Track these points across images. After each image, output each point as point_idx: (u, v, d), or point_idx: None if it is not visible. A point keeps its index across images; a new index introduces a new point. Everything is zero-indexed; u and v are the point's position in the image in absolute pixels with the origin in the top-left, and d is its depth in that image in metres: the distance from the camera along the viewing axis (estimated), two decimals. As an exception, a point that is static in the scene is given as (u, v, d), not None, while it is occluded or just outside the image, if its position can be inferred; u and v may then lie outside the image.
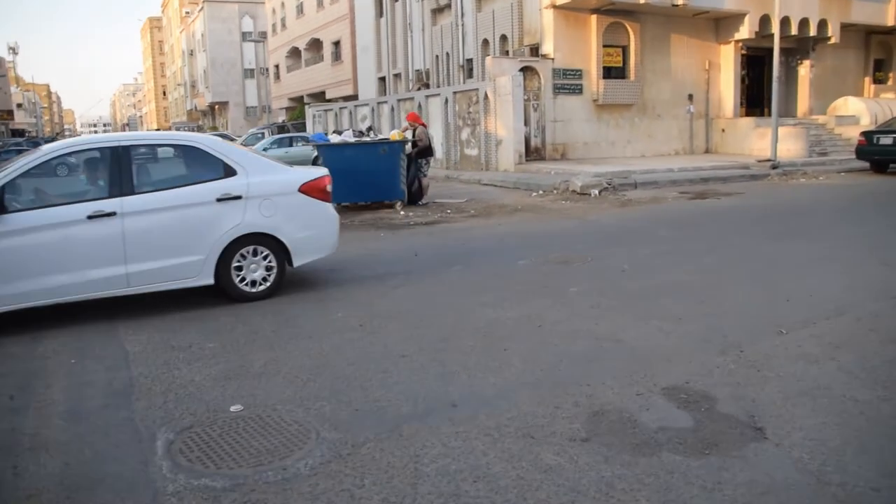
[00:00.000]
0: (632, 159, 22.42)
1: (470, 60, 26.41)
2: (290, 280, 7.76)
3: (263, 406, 4.27)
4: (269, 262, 6.89)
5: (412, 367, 4.83)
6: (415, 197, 14.41)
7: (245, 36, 67.92)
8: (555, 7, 21.72)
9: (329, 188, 7.27)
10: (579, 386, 4.38)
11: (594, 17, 22.22)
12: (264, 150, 27.08)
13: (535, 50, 22.88)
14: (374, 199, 13.99)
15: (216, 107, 73.02)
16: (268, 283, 6.89)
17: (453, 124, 23.29)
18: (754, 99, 26.86)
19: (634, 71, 23.24)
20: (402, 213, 13.32)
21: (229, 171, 6.74)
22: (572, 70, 22.37)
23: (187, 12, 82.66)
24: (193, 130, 67.38)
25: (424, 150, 14.54)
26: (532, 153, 21.93)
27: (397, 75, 33.06)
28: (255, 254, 6.82)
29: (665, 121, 24.48)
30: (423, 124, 15.21)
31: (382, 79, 34.80)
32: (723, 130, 25.15)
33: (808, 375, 4.48)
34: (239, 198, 6.67)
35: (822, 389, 4.24)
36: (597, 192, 15.07)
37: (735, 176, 17.89)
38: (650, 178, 17.03)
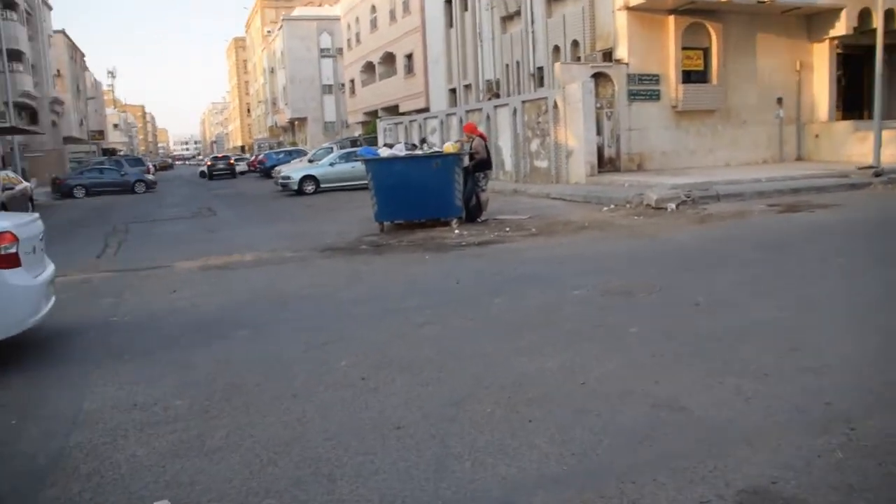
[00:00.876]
0: (714, 169, 20.65)
1: (541, 68, 25.15)
2: (297, 315, 6.79)
3: (195, 503, 3.25)
4: None
5: (405, 445, 3.72)
6: (473, 213, 13.31)
7: (323, 52, 68.69)
8: (628, 8, 20.24)
9: (6, 249, 5.26)
10: (620, 483, 3.18)
11: (672, 18, 20.63)
12: (331, 164, 26.93)
13: (608, 55, 21.44)
14: (427, 216, 12.95)
15: (296, 122, 73.90)
16: None
17: (522, 135, 22.07)
18: (852, 101, 24.55)
19: (717, 74, 21.48)
20: (457, 231, 12.24)
21: None
22: (648, 75, 20.83)
23: (269, 31, 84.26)
24: (274, 147, 68.39)
25: (482, 164, 13.42)
26: (606, 164, 20.48)
27: (468, 86, 32.09)
28: None
29: (751, 127, 22.57)
30: (481, 135, 14.09)
31: (453, 90, 33.92)
32: (816, 136, 23.05)
33: (952, 475, 3.15)
34: None
35: (978, 503, 2.92)
36: (674, 205, 13.61)
37: (831, 185, 16.04)
38: (734, 189, 15.41)
